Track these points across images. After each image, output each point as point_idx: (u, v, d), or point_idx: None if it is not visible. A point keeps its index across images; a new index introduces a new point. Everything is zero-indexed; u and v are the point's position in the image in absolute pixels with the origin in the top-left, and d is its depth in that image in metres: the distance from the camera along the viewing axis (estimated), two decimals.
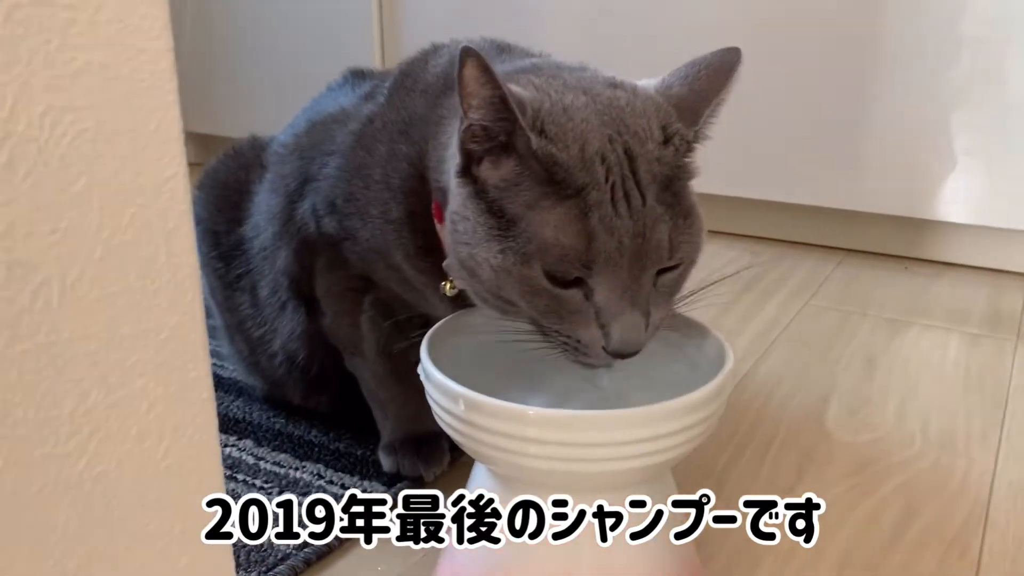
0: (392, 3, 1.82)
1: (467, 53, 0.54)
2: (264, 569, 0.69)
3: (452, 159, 0.62)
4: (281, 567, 0.69)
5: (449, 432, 0.61)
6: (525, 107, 0.57)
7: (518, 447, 0.56)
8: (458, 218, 0.61)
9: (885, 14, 1.41)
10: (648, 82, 0.64)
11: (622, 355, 0.58)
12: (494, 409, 0.56)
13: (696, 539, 0.62)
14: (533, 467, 0.57)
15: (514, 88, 0.58)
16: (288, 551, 0.71)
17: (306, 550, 0.71)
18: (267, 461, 0.85)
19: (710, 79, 0.61)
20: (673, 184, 0.59)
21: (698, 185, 0.63)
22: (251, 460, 0.86)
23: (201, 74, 2.08)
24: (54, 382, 0.36)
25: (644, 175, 0.57)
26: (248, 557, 0.70)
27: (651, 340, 0.60)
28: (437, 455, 0.82)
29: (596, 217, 0.56)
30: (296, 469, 0.84)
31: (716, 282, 0.68)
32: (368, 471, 0.83)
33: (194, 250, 0.40)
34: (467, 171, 0.60)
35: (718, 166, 1.53)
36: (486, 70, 0.54)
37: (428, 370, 0.61)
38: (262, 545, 0.72)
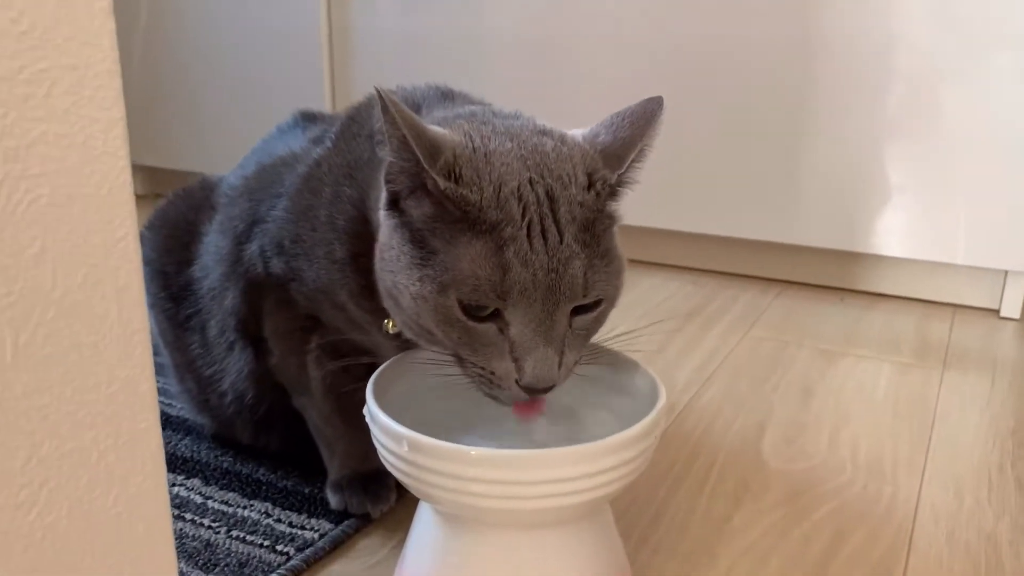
0: (342, 41, 1.85)
1: (379, 94, 0.58)
2: None
3: (382, 194, 0.65)
4: None
5: (394, 472, 0.63)
6: (441, 151, 0.60)
7: (460, 486, 0.59)
8: (384, 247, 0.64)
9: (819, 50, 1.47)
10: (577, 132, 0.67)
11: (535, 390, 0.60)
12: (437, 450, 0.58)
13: (636, 567, 0.65)
14: (475, 505, 0.59)
15: (439, 131, 0.62)
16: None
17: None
18: (215, 500, 0.86)
19: (634, 127, 0.64)
20: (594, 226, 0.62)
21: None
22: (199, 499, 0.86)
23: (150, 107, 2.08)
24: (7, 435, 0.37)
25: (564, 215, 0.60)
26: None
27: (566, 379, 0.62)
28: (384, 492, 0.83)
29: (511, 251, 0.58)
30: (244, 508, 0.85)
31: (632, 332, 0.71)
32: (316, 509, 0.84)
33: (143, 305, 0.42)
34: (394, 205, 0.63)
35: (661, 201, 1.59)
36: (389, 111, 0.58)
37: (373, 411, 0.63)
38: None
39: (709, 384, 1.18)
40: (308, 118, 0.91)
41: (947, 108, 1.41)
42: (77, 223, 0.38)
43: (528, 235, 0.59)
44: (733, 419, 1.08)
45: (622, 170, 0.64)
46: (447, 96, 0.77)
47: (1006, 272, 1.45)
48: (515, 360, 0.60)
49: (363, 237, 0.72)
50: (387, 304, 0.67)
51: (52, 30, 0.36)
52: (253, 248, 0.80)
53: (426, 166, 0.59)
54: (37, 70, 0.35)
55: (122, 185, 0.40)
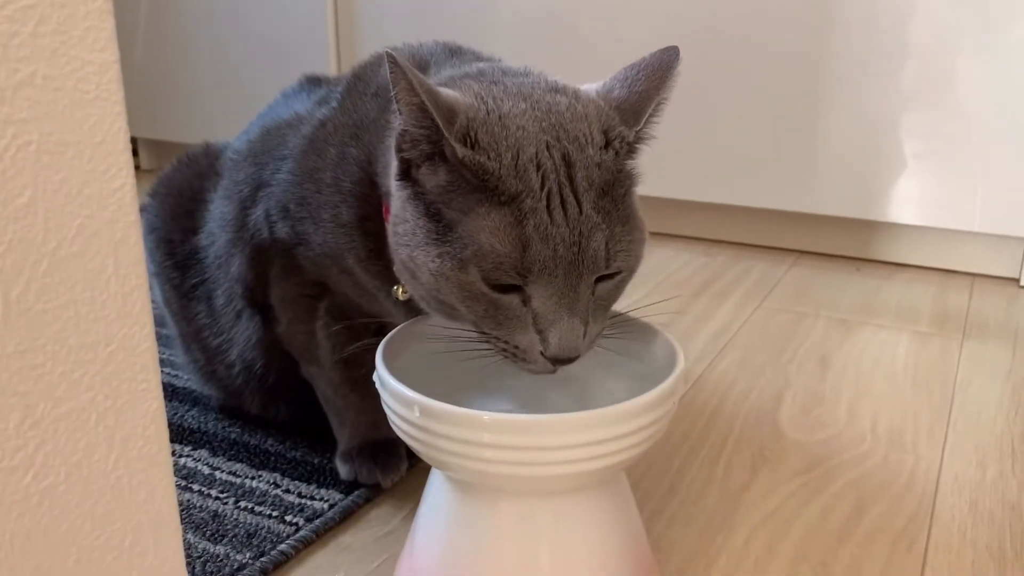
0: (348, 9, 1.82)
1: (390, 59, 0.55)
2: None
3: (393, 163, 0.62)
4: None
5: (405, 439, 0.61)
6: (456, 115, 0.57)
7: (474, 452, 0.57)
8: (399, 220, 0.61)
9: (836, 21, 1.44)
10: (590, 86, 0.65)
11: (560, 360, 0.59)
12: (449, 415, 0.56)
13: (652, 537, 0.63)
14: (489, 472, 0.58)
15: (451, 94, 0.59)
16: (244, 561, 0.71)
17: (262, 559, 0.71)
18: (223, 471, 0.85)
19: (649, 79, 0.62)
20: (613, 189, 0.59)
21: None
22: (206, 470, 0.85)
23: (155, 80, 2.06)
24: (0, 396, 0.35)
25: (581, 181, 0.58)
26: (204, 568, 0.70)
27: (590, 349, 0.61)
28: (394, 462, 0.82)
29: (531, 225, 0.56)
30: (252, 479, 0.83)
31: (644, 306, 0.69)
32: (325, 479, 0.83)
33: (142, 260, 0.40)
34: (407, 175, 0.60)
35: (674, 170, 1.56)
36: (404, 76, 0.55)
37: (383, 377, 0.61)
38: (217, 555, 0.72)
39: (724, 355, 1.16)
40: (313, 82, 0.89)
41: (962, 77, 1.38)
42: (69, 172, 0.36)
43: (548, 206, 0.57)
44: (749, 390, 1.06)
45: (639, 126, 0.61)
46: (455, 53, 0.75)
47: None
48: (539, 332, 0.58)
49: (370, 200, 0.69)
50: (403, 277, 0.64)
51: None
52: (258, 213, 0.78)
53: (445, 133, 0.56)
54: (22, 6, 0.33)
55: (117, 132, 0.38)
